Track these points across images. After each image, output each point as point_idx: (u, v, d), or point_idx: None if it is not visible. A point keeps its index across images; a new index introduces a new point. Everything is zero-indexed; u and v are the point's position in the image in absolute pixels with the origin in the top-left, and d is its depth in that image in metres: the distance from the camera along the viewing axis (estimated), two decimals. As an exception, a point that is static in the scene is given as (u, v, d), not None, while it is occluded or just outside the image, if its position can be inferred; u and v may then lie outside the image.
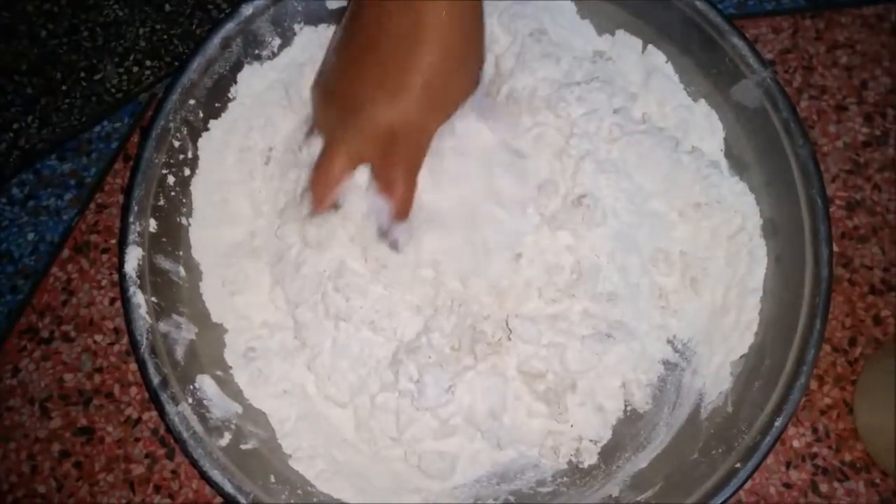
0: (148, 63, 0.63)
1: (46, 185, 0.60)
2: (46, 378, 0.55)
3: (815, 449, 0.52)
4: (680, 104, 0.54)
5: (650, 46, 0.55)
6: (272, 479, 0.47)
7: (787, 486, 0.51)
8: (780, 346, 0.47)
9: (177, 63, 0.63)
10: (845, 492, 0.51)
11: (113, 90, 0.62)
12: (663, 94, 0.54)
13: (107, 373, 0.55)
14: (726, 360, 0.49)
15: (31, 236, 0.58)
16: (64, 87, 0.62)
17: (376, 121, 0.45)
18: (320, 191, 0.47)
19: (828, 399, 0.53)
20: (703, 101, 0.54)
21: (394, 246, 0.47)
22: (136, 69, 0.63)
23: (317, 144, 0.48)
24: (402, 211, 0.47)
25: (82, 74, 0.63)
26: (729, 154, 0.53)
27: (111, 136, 0.60)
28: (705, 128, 0.54)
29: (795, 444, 0.52)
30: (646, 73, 0.54)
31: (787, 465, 0.51)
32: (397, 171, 0.46)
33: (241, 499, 0.44)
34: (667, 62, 0.55)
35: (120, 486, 0.52)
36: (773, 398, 0.45)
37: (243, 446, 0.47)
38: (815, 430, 0.52)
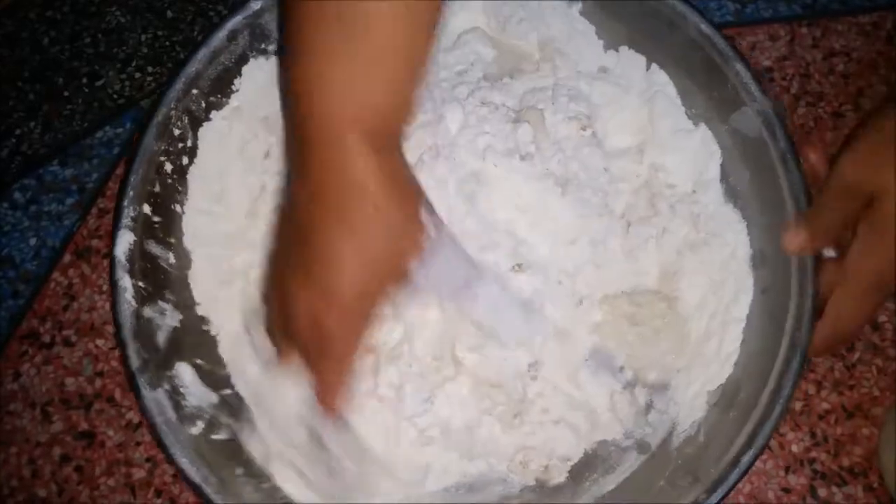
0: (150, 69, 0.63)
1: (48, 190, 0.60)
2: (47, 382, 0.55)
3: (813, 454, 0.52)
4: (680, 127, 0.54)
5: (654, 66, 0.54)
6: (240, 471, 0.46)
7: (786, 490, 0.51)
8: (756, 379, 0.46)
9: (179, 69, 0.63)
10: (844, 496, 0.51)
11: (115, 96, 0.63)
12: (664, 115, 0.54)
13: (108, 377, 0.55)
14: (703, 390, 0.49)
15: (32, 241, 0.59)
16: (66, 93, 0.63)
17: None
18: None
19: (826, 404, 0.53)
20: (703, 125, 0.53)
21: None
22: (138, 75, 0.63)
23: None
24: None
25: (84, 80, 0.63)
26: (724, 180, 0.53)
27: (113, 142, 0.61)
28: (703, 152, 0.53)
29: (794, 448, 0.52)
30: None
31: (786, 469, 0.52)
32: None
33: (206, 489, 0.44)
34: (669, 83, 0.54)
35: (121, 490, 0.52)
36: (744, 431, 0.44)
37: (215, 436, 0.47)
38: (813, 435, 0.52)
